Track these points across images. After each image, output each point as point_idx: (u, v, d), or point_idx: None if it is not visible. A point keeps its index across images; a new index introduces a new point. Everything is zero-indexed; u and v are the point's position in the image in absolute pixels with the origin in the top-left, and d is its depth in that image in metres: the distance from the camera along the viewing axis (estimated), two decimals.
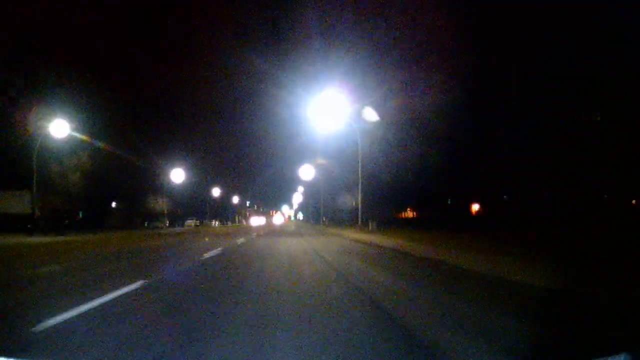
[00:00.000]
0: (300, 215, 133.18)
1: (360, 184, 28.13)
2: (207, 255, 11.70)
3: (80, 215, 53.27)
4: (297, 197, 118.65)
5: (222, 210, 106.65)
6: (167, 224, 61.83)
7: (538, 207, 40.62)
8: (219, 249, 14.02)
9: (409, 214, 68.76)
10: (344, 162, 42.22)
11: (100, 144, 42.46)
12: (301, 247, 15.71)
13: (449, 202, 59.36)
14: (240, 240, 20.30)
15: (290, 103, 33.16)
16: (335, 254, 12.33)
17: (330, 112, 29.60)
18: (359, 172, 28.28)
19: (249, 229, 45.87)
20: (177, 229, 55.67)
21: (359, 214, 28.51)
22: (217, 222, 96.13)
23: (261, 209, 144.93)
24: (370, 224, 27.67)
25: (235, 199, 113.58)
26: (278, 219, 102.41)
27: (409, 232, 24.95)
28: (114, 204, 66.74)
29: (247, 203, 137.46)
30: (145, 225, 61.85)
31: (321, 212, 61.92)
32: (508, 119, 32.13)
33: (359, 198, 28.11)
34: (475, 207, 61.75)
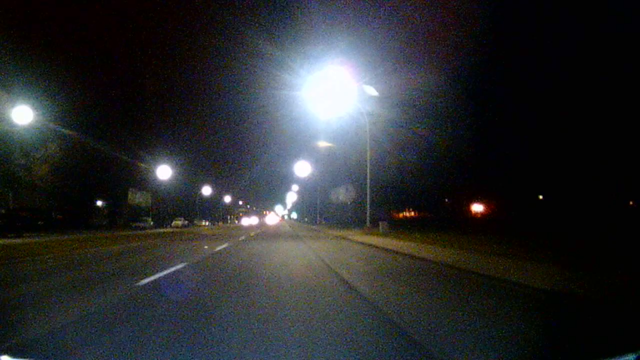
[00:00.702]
0: (294, 215, 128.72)
1: (368, 176, 23.60)
2: (148, 279, 7.04)
3: (54, 214, 48.20)
4: (291, 197, 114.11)
5: (214, 210, 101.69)
6: (152, 224, 56.64)
7: (547, 207, 38.98)
8: (182, 264, 9.36)
9: (408, 213, 64.42)
10: (345, 152, 37.80)
11: (68, 132, 37.43)
12: (304, 257, 11.13)
13: (446, 201, 55.68)
14: (222, 246, 15.62)
15: (288, 85, 28.34)
16: (365, 275, 7.77)
17: (333, 93, 25.04)
18: (367, 162, 23.76)
19: (239, 230, 41.27)
20: (162, 229, 50.83)
21: (368, 212, 23.89)
22: (207, 222, 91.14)
23: (254, 209, 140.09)
24: (381, 224, 23.10)
25: (228, 199, 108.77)
26: (271, 218, 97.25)
27: (429, 234, 20.40)
28: (100, 203, 62.02)
29: (240, 203, 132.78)
30: (132, 225, 56.83)
31: (318, 211, 57.28)
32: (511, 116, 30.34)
33: (368, 193, 23.54)
34: (476, 206, 58.39)
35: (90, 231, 40.60)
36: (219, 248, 14.35)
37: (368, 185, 23.47)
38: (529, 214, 37.52)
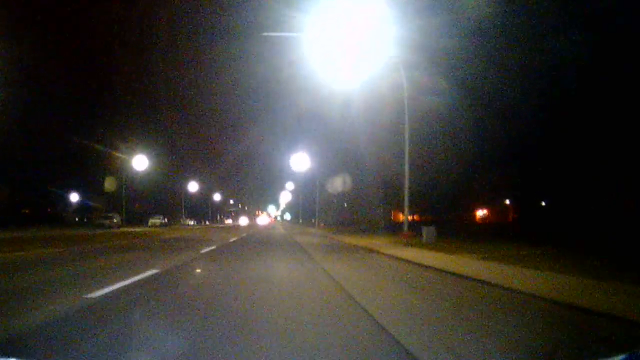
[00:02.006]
0: (287, 216, 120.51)
1: (407, 160, 15.72)
2: None
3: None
4: (285, 197, 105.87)
5: (202, 208, 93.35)
6: (121, 221, 47.99)
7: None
8: None
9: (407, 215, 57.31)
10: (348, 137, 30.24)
11: None
12: (339, 322, 3.27)
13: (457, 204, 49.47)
14: (146, 273, 7.65)
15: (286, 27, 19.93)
16: None
17: (351, 43, 16.97)
18: (406, 141, 15.87)
19: (220, 232, 33.28)
20: (130, 228, 42.57)
21: (406, 213, 15.97)
22: (192, 221, 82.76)
23: (245, 208, 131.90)
24: (425, 231, 15.31)
25: (217, 197, 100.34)
26: (263, 219, 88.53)
27: (485, 246, 12.71)
28: (77, 198, 54.25)
29: (231, 202, 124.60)
30: (96, 223, 48.76)
31: (317, 210, 49.37)
32: None
33: (406, 183, 15.63)
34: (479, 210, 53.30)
35: (40, 228, 32.45)
36: (123, 283, 6.32)
37: (407, 173, 15.58)
38: (534, 218, 36.18)
